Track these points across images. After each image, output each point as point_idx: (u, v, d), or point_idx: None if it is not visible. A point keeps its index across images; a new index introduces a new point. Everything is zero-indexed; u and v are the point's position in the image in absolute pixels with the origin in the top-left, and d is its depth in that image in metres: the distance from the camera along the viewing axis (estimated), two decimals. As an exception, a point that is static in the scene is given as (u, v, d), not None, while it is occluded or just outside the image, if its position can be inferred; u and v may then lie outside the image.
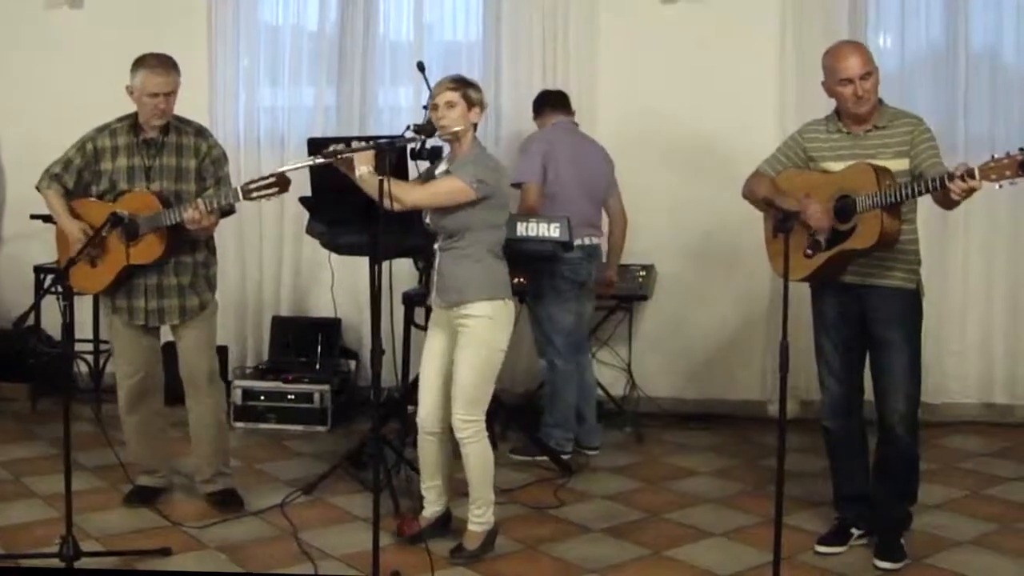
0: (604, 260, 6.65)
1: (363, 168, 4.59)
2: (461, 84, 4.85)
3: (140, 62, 5.20)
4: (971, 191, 4.24)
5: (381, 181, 4.32)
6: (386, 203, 4.33)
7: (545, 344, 6.44)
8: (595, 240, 6.50)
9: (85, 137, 5.34)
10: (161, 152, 5.27)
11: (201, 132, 5.41)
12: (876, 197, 4.49)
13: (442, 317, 4.92)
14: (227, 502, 5.47)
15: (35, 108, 7.72)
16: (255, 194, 4.96)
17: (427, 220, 4.87)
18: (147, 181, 5.23)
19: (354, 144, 4.65)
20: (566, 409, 6.44)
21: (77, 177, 5.31)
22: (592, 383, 6.75)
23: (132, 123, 5.31)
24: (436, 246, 4.90)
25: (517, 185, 6.33)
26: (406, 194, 4.75)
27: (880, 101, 4.79)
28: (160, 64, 5.18)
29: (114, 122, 5.35)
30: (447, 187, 4.74)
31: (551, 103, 6.63)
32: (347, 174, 4.74)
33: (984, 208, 6.89)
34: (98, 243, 5.07)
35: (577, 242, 6.29)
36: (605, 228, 6.67)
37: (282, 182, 4.93)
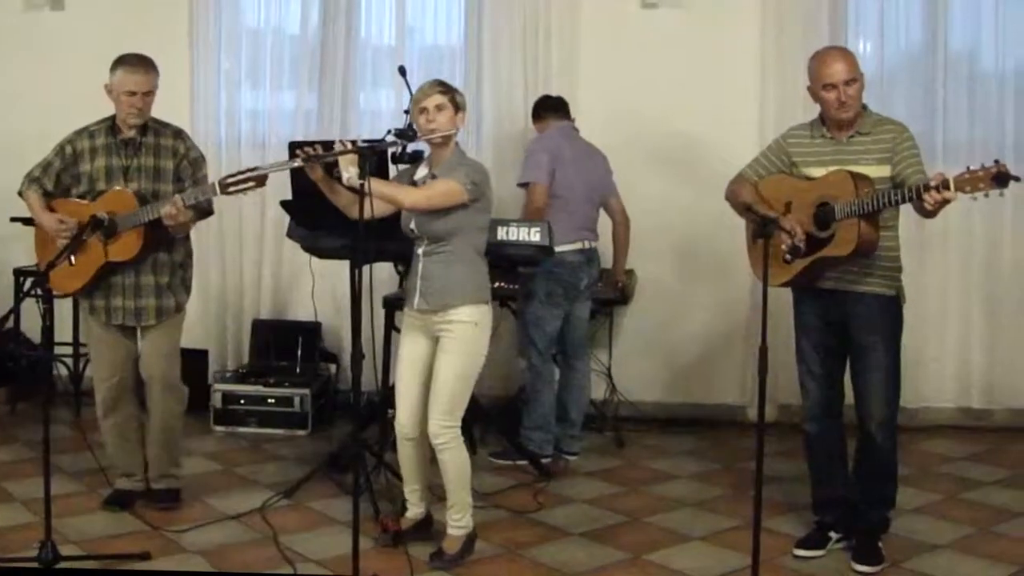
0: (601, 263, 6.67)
1: (352, 169, 4.53)
2: (449, 89, 4.86)
3: (119, 61, 5.23)
4: (945, 202, 4.26)
5: (362, 184, 4.30)
6: (375, 205, 4.31)
7: (526, 345, 6.44)
8: (593, 244, 6.52)
9: (64, 140, 5.36)
10: (139, 152, 5.29)
11: (179, 134, 5.43)
12: (854, 205, 4.51)
13: (420, 322, 4.91)
14: (163, 499, 5.49)
15: (15, 110, 7.69)
16: (232, 188, 4.95)
17: (411, 225, 4.86)
18: (125, 181, 5.25)
19: (336, 147, 4.63)
20: (545, 411, 6.44)
21: (56, 179, 5.33)
22: (587, 388, 6.74)
23: (110, 124, 5.33)
24: (419, 251, 4.89)
25: (524, 185, 6.35)
26: (403, 195, 4.74)
27: (864, 107, 4.81)
28: (139, 63, 5.22)
29: (93, 124, 5.38)
30: (443, 189, 4.73)
31: (552, 107, 6.64)
32: (321, 182, 4.75)
33: (962, 215, 6.92)
34: (86, 240, 5.07)
35: (577, 246, 6.35)
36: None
37: (259, 177, 4.93)
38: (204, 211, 5.34)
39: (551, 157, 6.34)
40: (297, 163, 4.69)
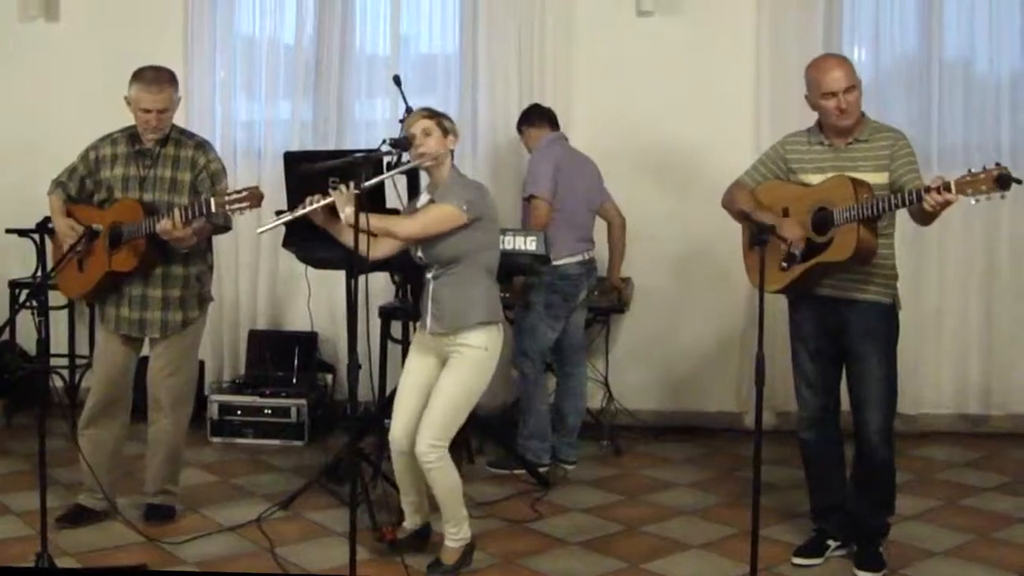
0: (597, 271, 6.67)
1: (348, 209, 4.51)
2: (435, 114, 4.89)
3: (136, 75, 5.20)
4: (946, 204, 4.26)
5: (357, 194, 4.30)
6: (373, 243, 4.41)
7: (519, 354, 6.42)
8: (592, 254, 6.53)
9: (89, 145, 5.38)
10: (156, 163, 5.27)
11: (201, 145, 5.40)
12: (853, 210, 4.50)
13: (432, 342, 4.90)
14: (158, 514, 5.44)
15: (9, 121, 7.67)
16: (228, 208, 4.93)
17: (419, 254, 4.85)
18: (141, 191, 5.23)
19: (329, 190, 4.62)
20: (540, 420, 6.43)
21: (80, 185, 5.34)
22: (584, 396, 6.74)
23: (132, 132, 5.32)
24: (429, 275, 4.88)
25: (528, 198, 6.32)
26: (398, 227, 4.76)
27: (862, 114, 4.81)
28: (154, 80, 5.18)
29: (117, 131, 5.37)
30: (436, 214, 4.73)
31: (547, 116, 6.62)
32: (325, 224, 4.76)
33: (959, 221, 6.93)
34: (81, 252, 5.06)
35: (578, 258, 6.37)
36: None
37: (253, 197, 4.90)
38: (220, 226, 5.32)
39: (555, 169, 6.32)
40: (297, 214, 4.69)
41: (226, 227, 5.39)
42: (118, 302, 5.31)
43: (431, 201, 4.86)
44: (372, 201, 4.74)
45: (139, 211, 5.12)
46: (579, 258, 6.37)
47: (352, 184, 4.52)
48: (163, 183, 5.26)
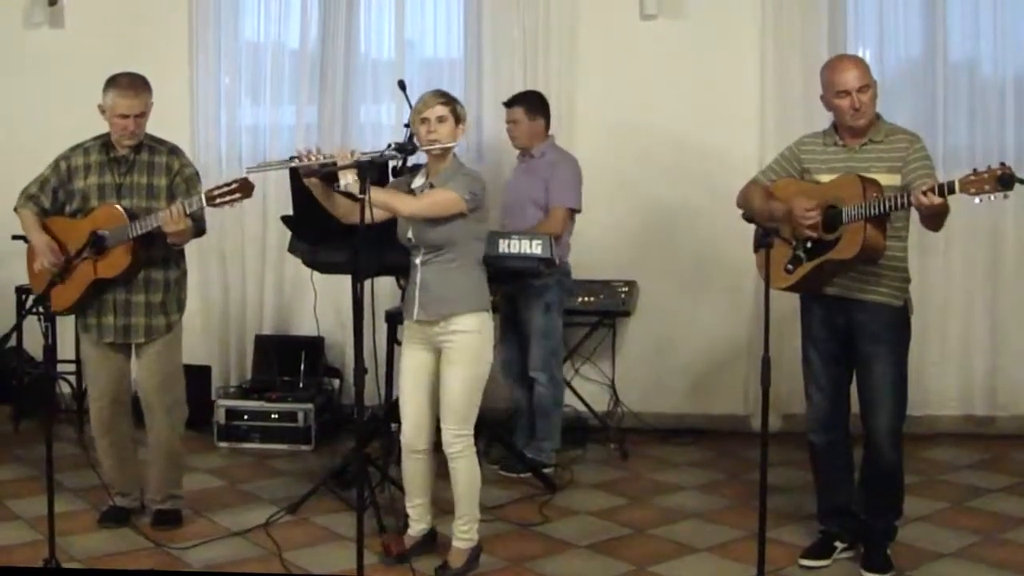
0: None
1: (349, 177, 4.50)
2: (450, 100, 4.87)
3: (111, 82, 5.21)
4: (934, 206, 4.26)
5: (363, 192, 4.30)
6: (373, 212, 4.32)
7: (548, 357, 6.42)
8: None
9: (59, 156, 5.37)
10: (132, 170, 5.28)
11: (174, 151, 5.41)
12: (861, 208, 4.50)
13: (421, 333, 4.91)
14: (164, 520, 5.46)
15: (15, 129, 7.68)
16: (219, 200, 4.93)
17: (409, 235, 4.86)
18: (118, 198, 5.23)
19: (336, 157, 4.59)
20: (559, 421, 6.49)
21: (53, 196, 5.33)
22: None
23: (105, 141, 5.32)
24: (417, 260, 4.89)
25: (573, 211, 6.38)
26: (402, 204, 4.74)
27: (878, 116, 4.81)
28: (130, 85, 5.19)
29: (88, 141, 5.37)
30: (442, 198, 4.73)
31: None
32: (316, 187, 4.74)
33: (965, 219, 6.89)
34: (86, 258, 5.08)
35: (569, 257, 6.44)
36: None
37: (244, 188, 4.90)
38: (198, 230, 5.32)
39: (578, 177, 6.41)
40: (295, 164, 4.69)
41: (201, 231, 5.38)
42: (100, 310, 5.32)
43: (430, 186, 4.87)
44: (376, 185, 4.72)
45: (120, 216, 5.11)
46: (569, 257, 6.45)
47: (355, 151, 4.53)
48: (140, 189, 5.27)
